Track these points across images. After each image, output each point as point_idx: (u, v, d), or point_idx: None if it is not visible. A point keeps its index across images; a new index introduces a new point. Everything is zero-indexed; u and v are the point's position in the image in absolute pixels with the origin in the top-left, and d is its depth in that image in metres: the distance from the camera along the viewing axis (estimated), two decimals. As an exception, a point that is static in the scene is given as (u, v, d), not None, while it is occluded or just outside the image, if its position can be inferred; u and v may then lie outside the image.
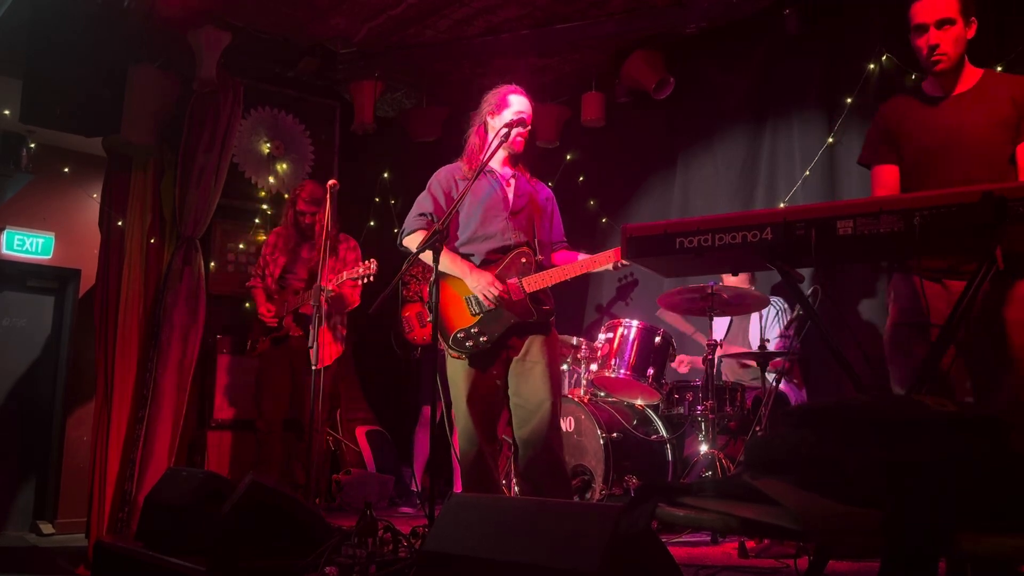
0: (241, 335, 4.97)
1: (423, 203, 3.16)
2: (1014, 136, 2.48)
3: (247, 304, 4.77)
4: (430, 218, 3.10)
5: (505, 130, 3.05)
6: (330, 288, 4.21)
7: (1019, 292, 2.42)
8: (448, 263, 3.05)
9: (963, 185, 2.20)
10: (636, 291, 5.16)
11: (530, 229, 3.15)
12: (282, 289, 4.63)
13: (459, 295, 3.08)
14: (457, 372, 3.06)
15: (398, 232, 5.99)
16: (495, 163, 3.16)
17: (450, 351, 3.06)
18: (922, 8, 2.52)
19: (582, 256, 3.15)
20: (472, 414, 3.01)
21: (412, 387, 5.32)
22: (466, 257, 3.11)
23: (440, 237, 2.89)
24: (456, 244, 3.16)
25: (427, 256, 2.96)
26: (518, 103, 3.14)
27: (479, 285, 3.00)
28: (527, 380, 3.02)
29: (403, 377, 5.55)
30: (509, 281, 3.03)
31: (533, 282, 3.02)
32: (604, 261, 3.02)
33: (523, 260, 3.07)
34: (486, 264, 3.09)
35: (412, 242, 3.10)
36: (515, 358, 3.06)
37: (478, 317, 3.03)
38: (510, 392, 3.07)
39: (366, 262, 4.28)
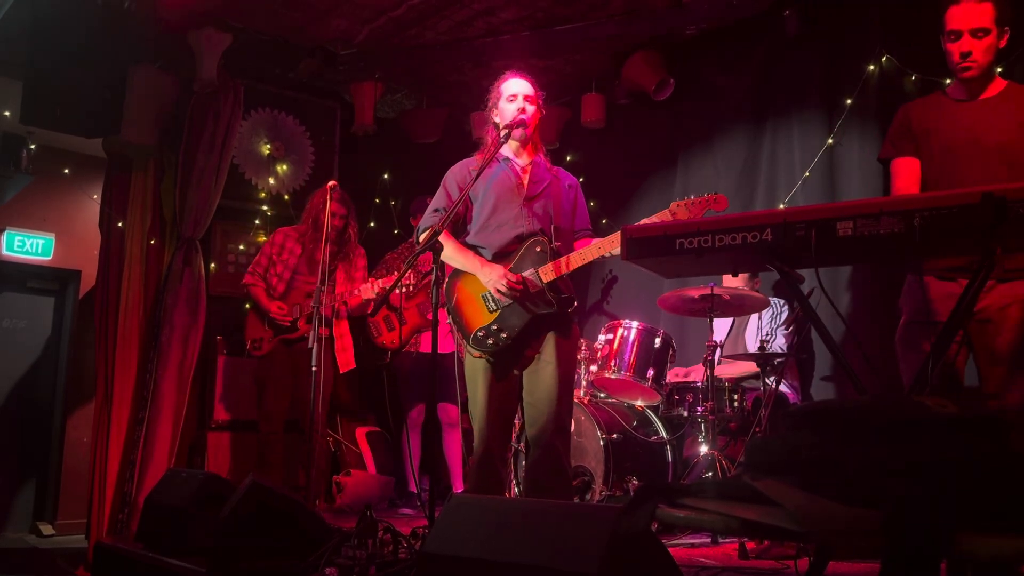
0: (238, 336, 4.91)
1: (437, 199, 3.11)
2: None
3: (247, 304, 4.74)
4: (444, 213, 3.06)
5: (506, 131, 3.03)
6: (375, 289, 4.31)
7: (1021, 292, 2.42)
8: (460, 259, 3.02)
9: (978, 185, 2.21)
10: (624, 290, 5.15)
11: (547, 216, 3.04)
12: (289, 291, 4.60)
13: (475, 293, 3.03)
14: (476, 371, 3.00)
15: (398, 233, 6.02)
16: (510, 152, 3.13)
17: (471, 351, 3.00)
18: (958, 14, 2.52)
19: (604, 238, 3.01)
20: (488, 413, 2.97)
21: (388, 391, 5.31)
22: (476, 249, 3.06)
23: (441, 237, 2.85)
24: (469, 236, 3.10)
25: (446, 255, 2.96)
26: (510, 87, 3.10)
27: (491, 280, 2.94)
28: (539, 381, 2.96)
29: (382, 381, 5.54)
30: (525, 273, 2.95)
31: (549, 271, 2.93)
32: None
33: (538, 249, 2.97)
34: (499, 258, 3.02)
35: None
36: (530, 356, 2.99)
37: (496, 313, 2.97)
38: (524, 391, 3.02)
39: (409, 270, 4.33)
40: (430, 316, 3.12)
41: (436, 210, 3.08)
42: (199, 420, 4.93)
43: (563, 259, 2.93)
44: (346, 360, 4.56)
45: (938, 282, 2.50)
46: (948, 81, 3.03)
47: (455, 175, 3.13)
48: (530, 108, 3.08)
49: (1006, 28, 2.53)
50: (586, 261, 2.92)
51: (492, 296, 2.98)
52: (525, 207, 3.03)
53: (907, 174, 2.65)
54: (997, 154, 2.50)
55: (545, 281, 2.93)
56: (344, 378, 5.06)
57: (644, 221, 2.88)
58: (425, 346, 4.79)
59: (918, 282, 2.60)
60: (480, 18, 4.77)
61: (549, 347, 2.97)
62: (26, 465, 6.34)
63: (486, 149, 3.11)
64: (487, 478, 2.96)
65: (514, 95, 3.09)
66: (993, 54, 2.53)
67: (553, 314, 2.96)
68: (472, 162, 3.15)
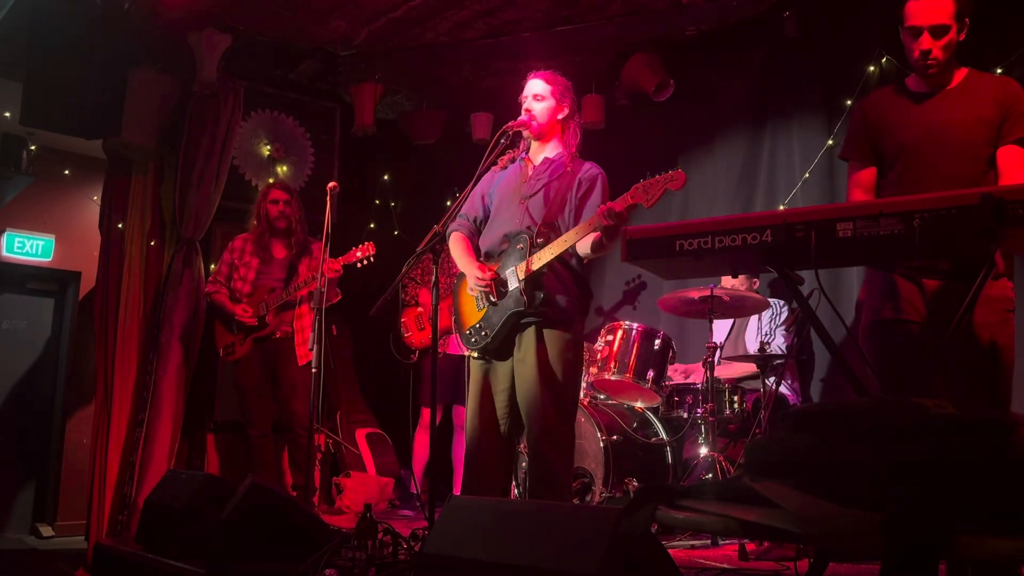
0: (207, 343, 4.83)
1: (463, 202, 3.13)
2: (995, 137, 2.46)
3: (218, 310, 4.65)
4: (464, 217, 3.11)
5: (506, 133, 3.03)
6: (336, 267, 4.25)
7: (989, 294, 2.40)
8: (459, 261, 3.05)
9: (943, 182, 2.21)
10: (622, 288, 5.14)
11: (540, 213, 2.96)
12: (255, 291, 4.58)
13: (472, 291, 3.05)
14: (474, 371, 3.02)
15: (398, 233, 6.02)
16: (530, 151, 3.13)
17: (464, 348, 3.04)
18: (917, 10, 2.48)
19: (583, 223, 2.86)
20: (479, 414, 2.96)
21: (412, 390, 5.31)
22: (478, 251, 3.08)
23: (455, 240, 2.90)
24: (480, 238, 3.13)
25: (452, 254, 2.98)
26: (525, 89, 3.10)
27: (470, 279, 2.97)
28: (521, 383, 2.89)
29: (403, 380, 5.55)
30: (507, 271, 2.91)
31: (524, 267, 2.85)
32: (586, 229, 2.76)
33: (519, 247, 2.91)
34: (489, 257, 3.02)
35: (450, 242, 3.08)
36: (518, 358, 2.92)
37: (483, 312, 2.97)
38: (517, 393, 2.95)
39: (362, 245, 4.28)
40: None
41: (460, 214, 3.13)
42: (198, 421, 4.92)
43: (541, 252, 2.83)
44: (304, 352, 4.49)
45: (902, 281, 2.48)
46: None
47: (481, 179, 3.11)
48: (537, 106, 3.04)
49: (966, 20, 2.49)
50: (555, 255, 2.80)
51: (480, 295, 2.99)
52: (522, 204, 3.00)
53: (862, 182, 2.64)
54: (957, 149, 2.47)
55: (521, 278, 2.85)
56: (347, 377, 5.05)
57: (607, 206, 2.73)
58: (453, 348, 4.80)
59: (882, 278, 2.55)
60: (480, 19, 4.77)
61: (530, 348, 2.87)
62: (26, 466, 6.34)
63: (510, 152, 3.14)
64: (475, 480, 2.93)
65: (524, 96, 3.10)
66: (953, 50, 2.49)
67: (536, 313, 2.86)
68: (498, 166, 3.15)
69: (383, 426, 5.63)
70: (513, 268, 2.89)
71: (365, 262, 4.30)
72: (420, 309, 5.00)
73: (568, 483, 3.00)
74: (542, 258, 2.82)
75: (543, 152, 3.10)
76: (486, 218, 3.13)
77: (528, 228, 2.93)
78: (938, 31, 2.46)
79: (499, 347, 2.94)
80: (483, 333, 2.94)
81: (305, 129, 5.68)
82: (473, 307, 3.02)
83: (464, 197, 3.00)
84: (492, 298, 2.92)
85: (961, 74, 2.56)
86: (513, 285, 2.87)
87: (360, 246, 4.32)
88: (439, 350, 4.96)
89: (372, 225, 5.88)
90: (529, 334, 2.88)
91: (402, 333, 5.02)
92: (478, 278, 2.89)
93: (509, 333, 2.91)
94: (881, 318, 2.52)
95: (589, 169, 3.05)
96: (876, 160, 2.63)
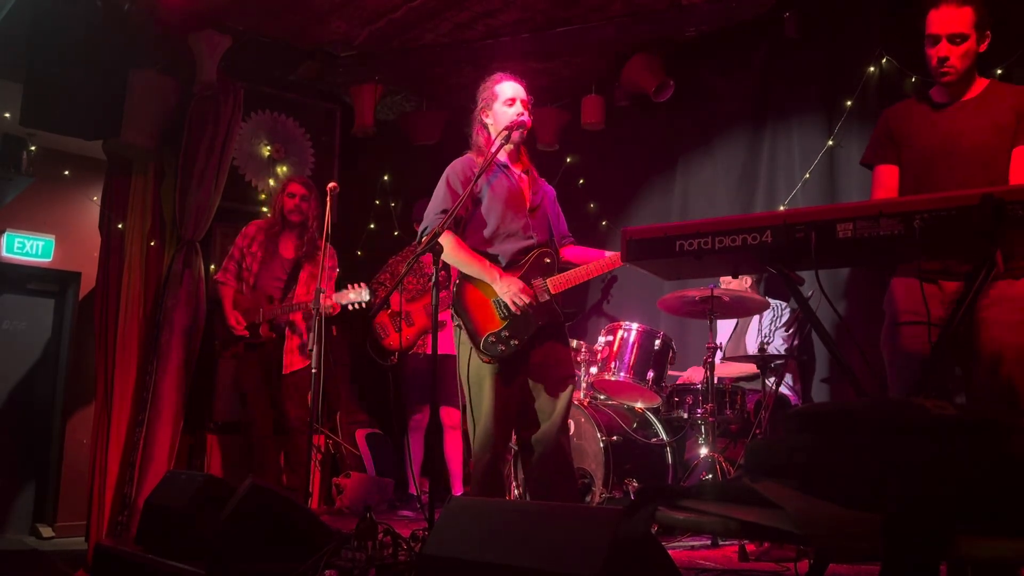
0: (206, 333, 4.83)
1: (443, 199, 3.06)
2: (1012, 143, 2.50)
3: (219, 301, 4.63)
4: (445, 213, 3.04)
5: (506, 132, 3.02)
6: (329, 304, 4.22)
7: (1010, 293, 2.42)
8: (475, 266, 3.01)
9: (961, 190, 2.22)
10: (624, 291, 5.14)
11: (547, 227, 3.16)
12: (257, 285, 4.56)
13: (487, 297, 3.04)
14: (484, 375, 3.00)
15: (398, 234, 6.02)
16: (506, 158, 3.14)
17: (481, 355, 3.00)
18: (937, 18, 2.52)
19: (609, 254, 3.14)
20: (494, 418, 2.97)
21: (394, 393, 5.30)
22: (494, 258, 3.06)
23: (443, 238, 2.88)
24: (478, 242, 3.09)
25: (448, 257, 2.97)
26: (508, 90, 3.11)
27: (510, 292, 2.96)
28: (548, 386, 3.04)
29: (385, 382, 5.54)
30: (535, 283, 3.03)
31: (558, 283, 3.04)
32: (604, 269, 3.09)
33: (546, 260, 3.08)
34: (511, 266, 3.05)
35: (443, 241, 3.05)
36: (536, 362, 3.05)
37: (507, 321, 3.00)
38: (529, 395, 3.08)
39: (356, 285, 4.28)
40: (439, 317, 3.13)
41: (443, 211, 3.03)
42: (198, 421, 4.92)
43: (570, 273, 3.07)
44: (290, 361, 4.48)
45: (923, 285, 2.50)
46: None
47: (458, 174, 3.09)
48: (526, 113, 3.10)
49: (986, 32, 2.53)
50: (591, 276, 3.08)
51: (504, 304, 3.00)
52: (530, 218, 3.09)
53: (885, 181, 2.68)
54: (973, 156, 2.51)
55: (553, 292, 3.04)
56: (347, 378, 5.04)
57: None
58: (430, 348, 4.79)
59: (901, 283, 2.61)
60: (480, 20, 4.77)
61: (554, 352, 3.08)
62: (26, 467, 6.34)
63: (481, 150, 3.11)
64: (494, 483, 2.99)
65: (512, 99, 3.10)
66: (971, 59, 2.53)
67: (561, 324, 3.11)
68: (471, 162, 3.13)
69: (381, 427, 5.63)
70: (542, 280, 3.05)
71: (357, 306, 4.29)
72: (390, 311, 5.00)
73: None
74: (567, 281, 3.06)
75: (520, 163, 3.18)
76: (470, 215, 3.11)
77: (546, 243, 3.13)
78: (956, 39, 2.50)
79: (519, 354, 3.03)
80: (513, 342, 2.99)
81: (305, 130, 5.68)
82: (491, 314, 3.03)
83: (462, 201, 2.97)
84: (539, 311, 3.02)
85: (982, 84, 2.61)
86: (544, 299, 3.04)
87: (354, 285, 4.30)
88: (417, 351, 4.97)
89: (372, 225, 5.88)
90: (553, 343, 3.09)
91: (379, 336, 5.01)
92: (523, 299, 2.96)
93: (532, 342, 3.05)
94: (901, 322, 2.56)
95: (549, 185, 3.31)
96: (898, 162, 2.66)
